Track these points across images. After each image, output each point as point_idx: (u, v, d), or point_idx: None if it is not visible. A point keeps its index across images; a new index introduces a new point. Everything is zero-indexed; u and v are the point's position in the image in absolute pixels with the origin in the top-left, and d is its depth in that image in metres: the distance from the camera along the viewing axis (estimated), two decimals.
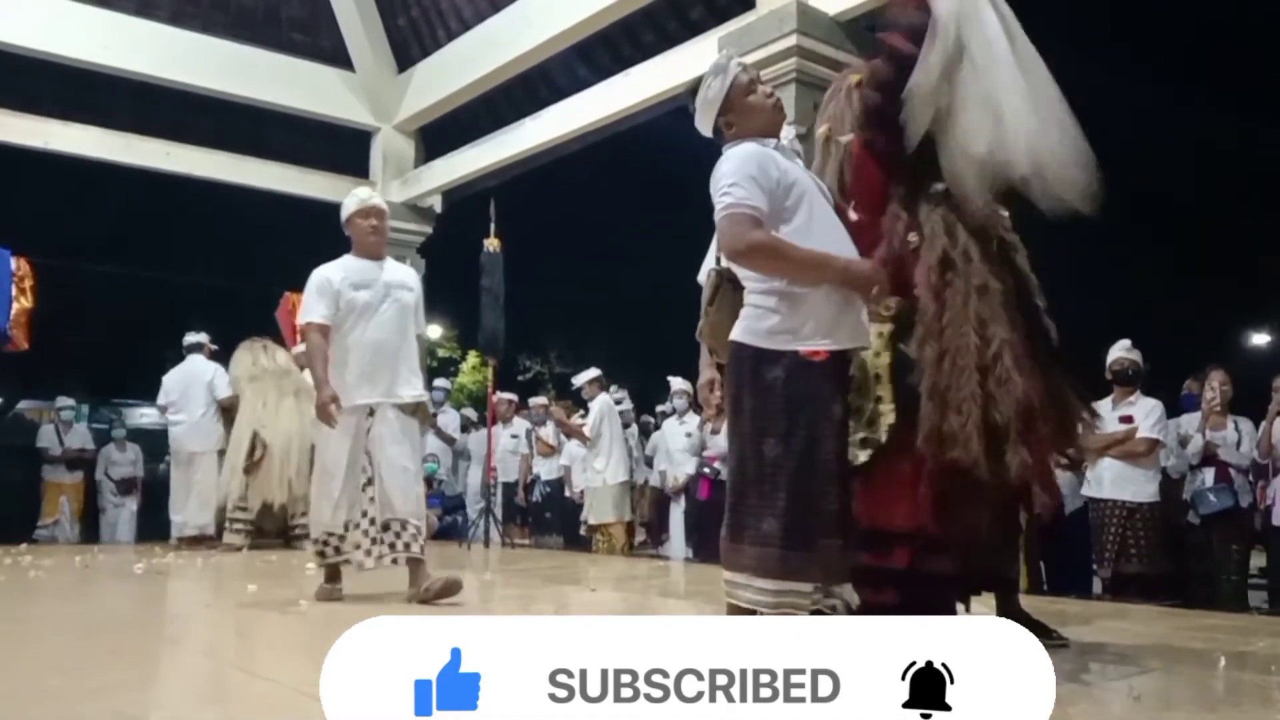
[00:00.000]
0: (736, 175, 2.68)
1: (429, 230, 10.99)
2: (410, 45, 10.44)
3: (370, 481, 4.54)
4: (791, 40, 6.38)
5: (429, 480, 9.95)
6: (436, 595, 4.40)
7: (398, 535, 4.52)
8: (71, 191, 13.84)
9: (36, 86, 9.14)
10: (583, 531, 8.66)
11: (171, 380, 8.42)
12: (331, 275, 4.62)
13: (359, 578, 6.36)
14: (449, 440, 10.48)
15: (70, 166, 9.96)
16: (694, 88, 2.99)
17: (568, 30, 8.27)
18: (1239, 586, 6.15)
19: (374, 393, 4.54)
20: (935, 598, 2.82)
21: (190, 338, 8.62)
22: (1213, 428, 6.20)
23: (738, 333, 2.75)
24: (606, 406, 8.46)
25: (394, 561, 4.56)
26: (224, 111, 9.98)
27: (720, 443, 9.08)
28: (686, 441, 8.32)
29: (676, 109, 8.18)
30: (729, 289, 2.84)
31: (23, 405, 11.37)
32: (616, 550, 8.13)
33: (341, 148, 10.87)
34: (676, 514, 8.47)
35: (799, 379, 2.61)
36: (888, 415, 2.91)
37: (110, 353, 18.37)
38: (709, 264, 3.96)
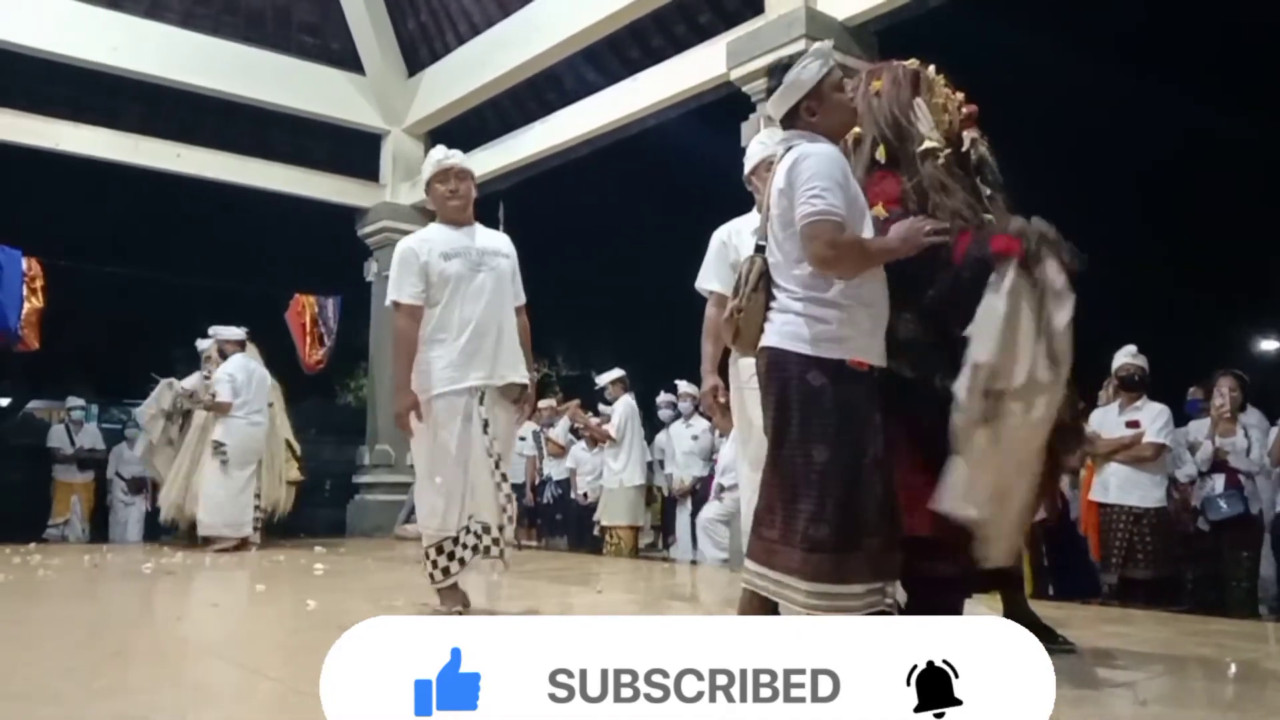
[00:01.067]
0: (826, 180, 2.69)
1: None
2: (420, 49, 10.45)
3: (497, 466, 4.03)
4: (800, 45, 6.37)
5: None
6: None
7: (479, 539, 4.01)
8: (82, 192, 13.91)
9: (46, 88, 9.17)
10: (596, 532, 8.60)
11: (242, 378, 8.17)
12: (416, 246, 4.13)
13: (365, 579, 6.39)
14: None
15: (80, 167, 10.00)
16: (782, 65, 2.95)
17: (576, 35, 8.27)
18: (1249, 593, 6.13)
19: (478, 374, 4.04)
20: (937, 599, 2.82)
21: (236, 332, 8.45)
22: (1222, 434, 6.17)
23: (777, 339, 2.77)
24: (629, 407, 8.42)
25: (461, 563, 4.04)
26: (233, 113, 10.00)
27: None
28: (693, 444, 8.31)
29: (685, 113, 8.26)
30: (767, 281, 2.86)
31: (33, 405, 11.44)
32: (626, 552, 8.11)
33: (351, 151, 10.89)
34: (682, 517, 8.45)
35: (846, 387, 2.67)
36: None
37: (119, 353, 18.45)
38: (707, 269, 3.95)
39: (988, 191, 3.11)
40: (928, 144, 2.99)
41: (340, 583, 5.95)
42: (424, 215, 10.87)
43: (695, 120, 8.41)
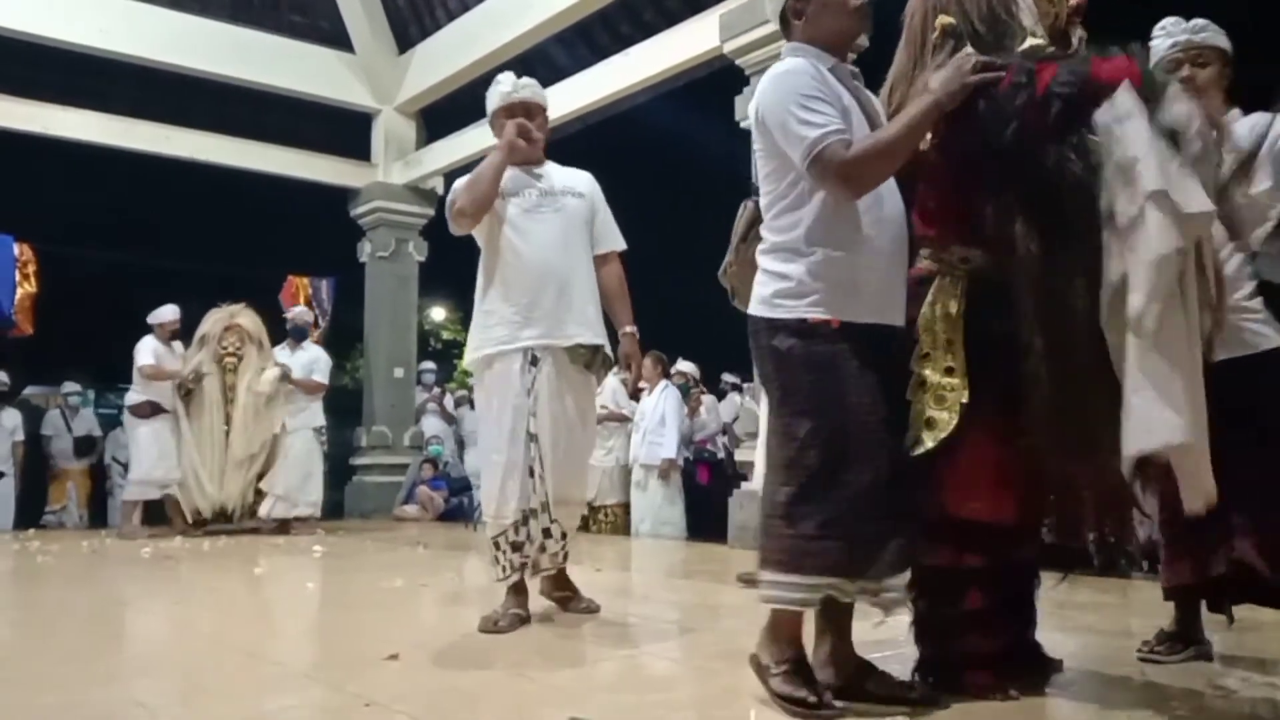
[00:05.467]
0: (802, 101, 2.22)
1: (431, 212, 10.98)
2: (410, 26, 10.37)
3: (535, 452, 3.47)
4: None
5: (434, 462, 9.99)
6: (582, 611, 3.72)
7: (548, 535, 3.55)
8: (72, 176, 13.81)
9: (35, 71, 9.09)
10: (584, 512, 8.54)
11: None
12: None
13: (363, 560, 6.38)
14: (450, 419, 10.58)
15: (70, 151, 9.92)
16: None
17: (568, 9, 8.20)
18: None
19: (533, 332, 3.46)
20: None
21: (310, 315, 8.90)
22: None
23: (752, 302, 2.38)
24: (620, 385, 8.41)
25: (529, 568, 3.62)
26: (223, 95, 9.92)
27: (710, 425, 9.15)
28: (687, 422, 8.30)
29: (677, 89, 8.20)
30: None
31: (28, 391, 11.36)
32: (619, 530, 8.13)
33: (342, 130, 10.82)
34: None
35: (816, 348, 2.23)
36: (959, 391, 2.32)
37: (113, 338, 18.37)
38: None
39: None
40: (1031, 41, 2.33)
41: (338, 564, 5.96)
42: (416, 195, 10.85)
43: (688, 96, 8.36)
